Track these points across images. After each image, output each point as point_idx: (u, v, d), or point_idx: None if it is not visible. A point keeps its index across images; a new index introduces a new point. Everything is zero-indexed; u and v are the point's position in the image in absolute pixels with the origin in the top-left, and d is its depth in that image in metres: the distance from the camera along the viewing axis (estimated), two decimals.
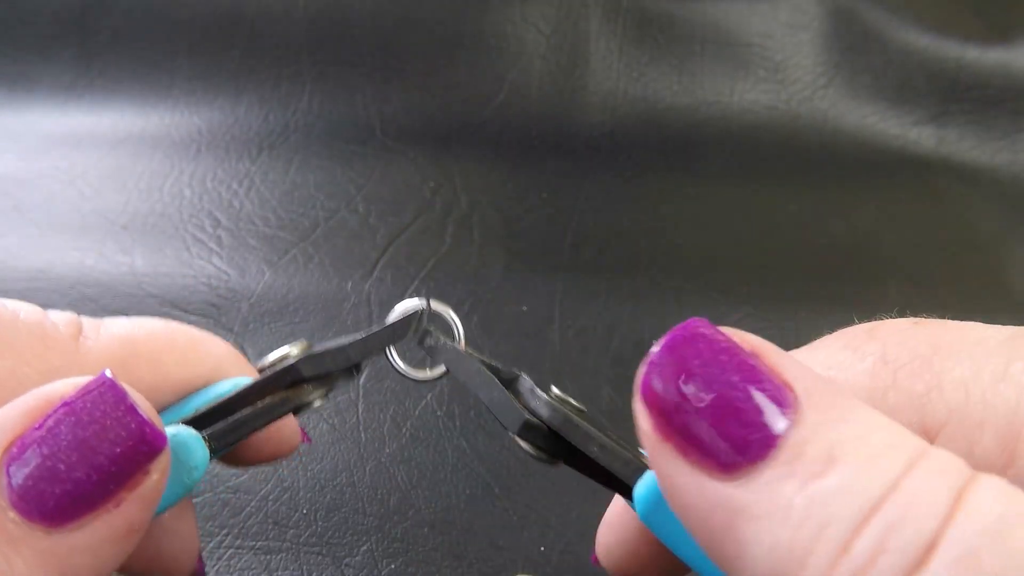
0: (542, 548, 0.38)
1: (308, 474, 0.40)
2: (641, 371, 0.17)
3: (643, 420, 0.17)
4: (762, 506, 0.15)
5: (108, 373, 0.17)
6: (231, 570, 0.36)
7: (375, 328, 0.22)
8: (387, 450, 0.41)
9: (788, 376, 0.16)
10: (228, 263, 0.50)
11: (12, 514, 0.16)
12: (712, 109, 0.62)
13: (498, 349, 0.46)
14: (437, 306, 0.23)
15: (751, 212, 0.57)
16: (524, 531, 0.38)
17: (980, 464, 0.16)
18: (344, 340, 0.22)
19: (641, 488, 0.20)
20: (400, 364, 0.23)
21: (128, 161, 0.57)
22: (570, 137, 0.61)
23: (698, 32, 0.63)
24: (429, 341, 0.23)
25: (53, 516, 0.16)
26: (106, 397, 0.17)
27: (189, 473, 0.19)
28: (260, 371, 0.23)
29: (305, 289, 0.49)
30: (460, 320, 0.23)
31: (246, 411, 0.21)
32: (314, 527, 0.38)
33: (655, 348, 0.17)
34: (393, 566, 0.37)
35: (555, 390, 0.22)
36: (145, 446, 0.17)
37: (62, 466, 0.16)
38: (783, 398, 0.16)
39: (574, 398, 0.22)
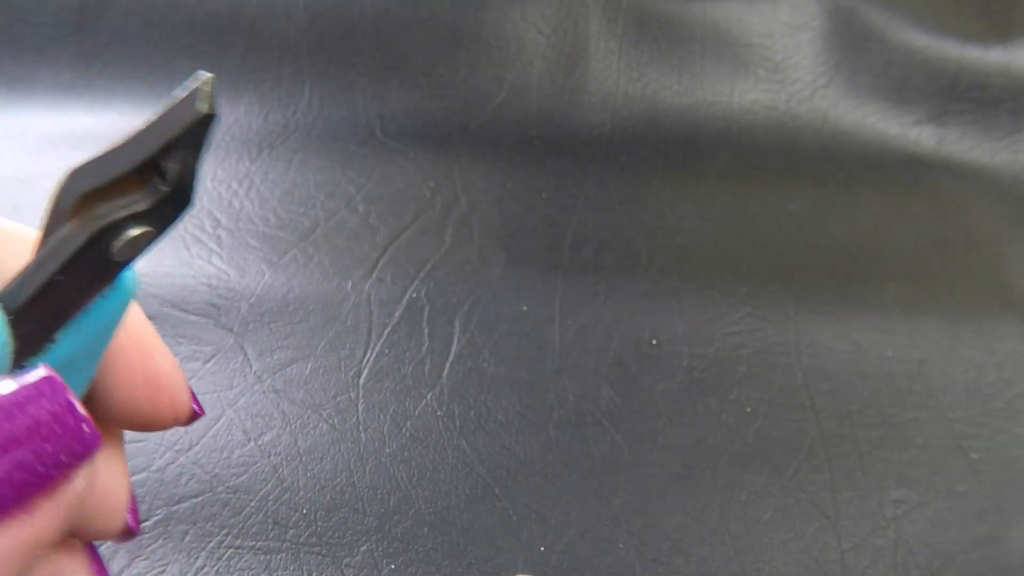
0: (542, 548, 0.38)
1: (308, 474, 0.40)
2: None
3: None
4: None
5: (41, 365, 0.15)
6: (231, 570, 0.36)
7: (159, 113, 0.16)
8: (387, 450, 0.41)
9: None
10: (228, 263, 0.50)
11: None
12: (712, 109, 0.62)
13: (498, 349, 0.46)
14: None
15: (751, 212, 0.57)
16: (524, 531, 0.38)
17: None
18: (127, 135, 0.17)
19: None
20: None
21: None
22: (570, 137, 0.61)
23: (698, 32, 0.63)
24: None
25: None
26: (45, 393, 0.15)
27: None
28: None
29: (305, 289, 0.49)
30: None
31: (37, 256, 0.17)
32: (314, 527, 0.38)
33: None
34: (393, 566, 0.37)
35: None
36: (79, 448, 0.15)
37: None
38: None
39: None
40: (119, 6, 0.61)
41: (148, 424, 0.21)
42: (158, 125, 0.16)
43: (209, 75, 0.16)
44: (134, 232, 0.17)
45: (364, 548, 0.37)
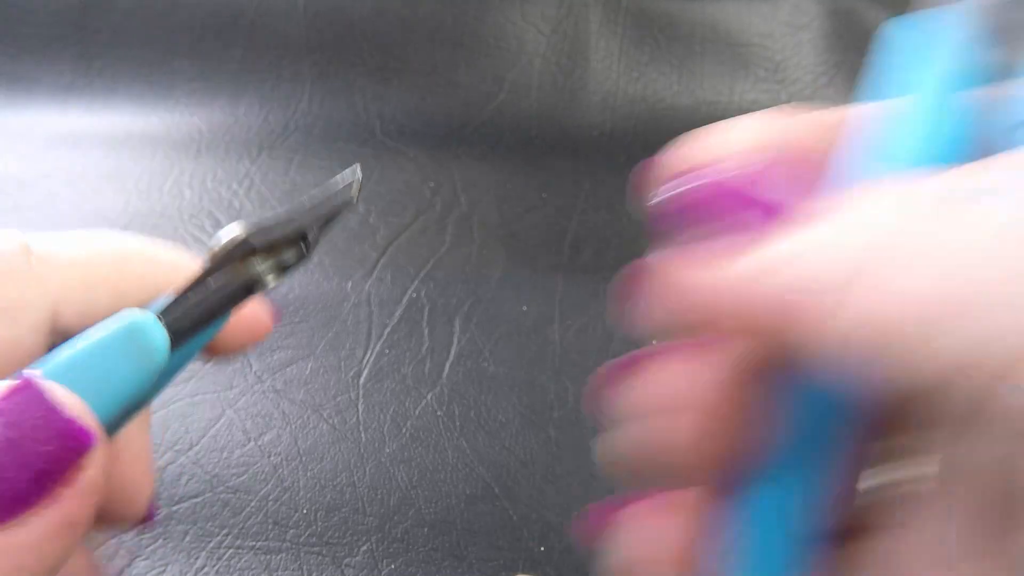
0: (542, 548, 0.38)
1: (308, 474, 0.40)
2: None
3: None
4: None
5: (27, 373, 0.18)
6: (231, 570, 0.36)
7: (318, 196, 0.22)
8: (387, 450, 0.41)
9: None
10: None
11: None
12: (712, 109, 0.62)
13: (498, 349, 0.46)
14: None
15: None
16: (524, 531, 0.38)
17: None
18: (289, 210, 0.22)
19: None
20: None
21: (128, 161, 0.57)
22: (570, 137, 0.61)
23: (698, 32, 0.63)
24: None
25: None
26: (30, 399, 0.17)
27: (148, 357, 0.19)
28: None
29: (305, 289, 0.49)
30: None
31: (199, 291, 0.21)
32: (314, 527, 0.38)
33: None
34: (393, 566, 0.37)
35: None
36: (73, 442, 0.17)
37: None
38: None
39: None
40: (119, 6, 0.61)
41: (241, 347, 0.24)
42: (316, 207, 0.22)
43: (359, 173, 0.22)
44: (271, 282, 0.21)
45: (364, 548, 0.37)
